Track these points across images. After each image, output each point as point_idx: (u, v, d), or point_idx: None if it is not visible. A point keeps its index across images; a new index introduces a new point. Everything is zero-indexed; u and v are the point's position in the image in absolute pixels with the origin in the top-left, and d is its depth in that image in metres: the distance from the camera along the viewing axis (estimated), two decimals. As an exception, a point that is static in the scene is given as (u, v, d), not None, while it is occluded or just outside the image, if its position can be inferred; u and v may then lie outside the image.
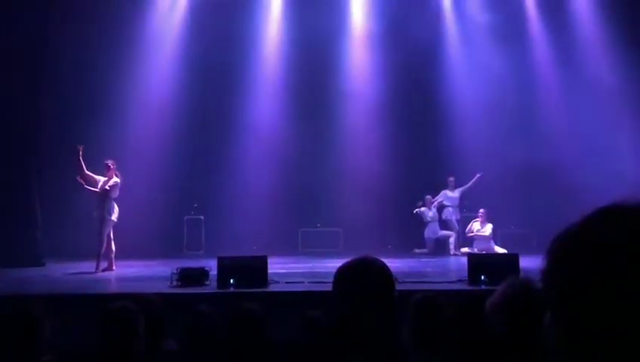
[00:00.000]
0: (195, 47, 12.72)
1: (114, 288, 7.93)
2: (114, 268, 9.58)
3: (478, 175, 12.24)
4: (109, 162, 9.59)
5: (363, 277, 1.89)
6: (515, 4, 13.25)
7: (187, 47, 12.86)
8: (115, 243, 9.61)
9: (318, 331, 3.29)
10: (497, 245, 11.85)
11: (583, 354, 0.75)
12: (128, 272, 9.29)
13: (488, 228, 11.86)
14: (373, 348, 1.84)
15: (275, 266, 8.29)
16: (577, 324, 0.75)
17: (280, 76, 13.14)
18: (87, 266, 9.35)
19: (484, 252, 11.09)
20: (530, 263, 8.70)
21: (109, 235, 9.54)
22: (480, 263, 7.39)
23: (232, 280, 6.94)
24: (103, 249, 9.43)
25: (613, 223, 0.75)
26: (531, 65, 13.09)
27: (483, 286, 6.58)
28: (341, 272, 1.94)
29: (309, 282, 7.42)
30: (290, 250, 12.32)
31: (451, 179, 12.58)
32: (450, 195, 12.61)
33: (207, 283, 7.23)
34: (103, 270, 9.37)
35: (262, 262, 7.25)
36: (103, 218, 9.45)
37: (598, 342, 0.73)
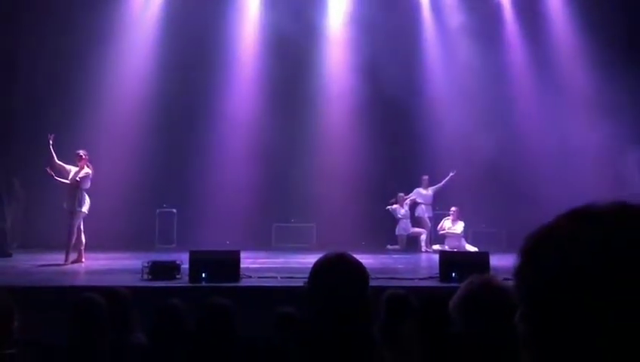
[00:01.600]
0: (170, 39, 12.55)
1: (83, 280, 7.81)
2: (83, 260, 9.44)
3: (451, 174, 12.38)
4: (81, 152, 9.41)
5: (338, 273, 1.91)
6: (491, 6, 13.39)
7: (163, 38, 12.70)
8: (85, 235, 9.47)
9: (292, 326, 3.30)
10: (468, 243, 12.00)
11: (552, 352, 0.76)
12: (98, 265, 9.17)
13: (460, 226, 12.00)
14: (348, 342, 1.85)
15: (248, 261, 8.27)
16: (546, 322, 0.77)
17: (257, 71, 13.08)
18: (56, 258, 9.20)
19: (455, 249, 11.21)
20: (501, 261, 8.84)
21: (79, 227, 9.38)
22: (451, 260, 7.48)
23: (203, 275, 6.90)
24: (73, 241, 9.28)
25: (585, 224, 0.77)
26: (506, 66, 13.25)
27: (454, 284, 6.64)
28: (317, 267, 1.95)
29: (281, 277, 7.42)
30: (264, 244, 12.29)
31: (425, 177, 12.70)
32: (423, 193, 12.72)
33: (178, 276, 7.19)
34: (73, 262, 9.22)
35: (234, 257, 7.22)
36: (74, 210, 9.28)
37: (566, 340, 0.75)
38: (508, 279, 2.14)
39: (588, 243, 0.74)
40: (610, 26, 12.00)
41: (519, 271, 0.81)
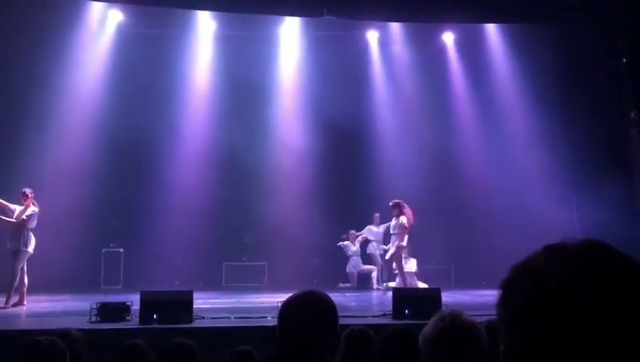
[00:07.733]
0: (119, 80, 12.42)
1: (27, 324, 7.47)
2: (25, 302, 9.06)
3: (402, 212, 12.56)
4: (27, 190, 9.15)
5: (309, 312, 1.91)
6: (436, 46, 13.93)
7: (111, 79, 12.55)
8: (27, 277, 9.11)
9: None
10: (419, 280, 12.14)
11: None
12: (41, 307, 8.80)
13: (412, 264, 12.14)
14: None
15: (199, 301, 8.11)
16: (524, 344, 0.84)
17: (208, 111, 13.11)
18: (-3, 300, 8.81)
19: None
20: (450, 298, 9.02)
21: (22, 268, 9.03)
22: (404, 298, 7.55)
23: (155, 316, 6.74)
24: (17, 283, 8.91)
25: (557, 257, 0.87)
26: (450, 103, 13.74)
27: (407, 320, 6.71)
28: (287, 306, 1.96)
29: (235, 317, 7.32)
30: (213, 284, 12.10)
31: (377, 215, 12.86)
32: (375, 231, 12.87)
33: (128, 318, 7.00)
34: (14, 305, 8.85)
35: (187, 298, 7.09)
36: (19, 249, 8.93)
37: (542, 358, 0.82)
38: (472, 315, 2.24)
39: (559, 273, 0.84)
40: (542, 58, 12.54)
41: (502, 298, 0.89)
